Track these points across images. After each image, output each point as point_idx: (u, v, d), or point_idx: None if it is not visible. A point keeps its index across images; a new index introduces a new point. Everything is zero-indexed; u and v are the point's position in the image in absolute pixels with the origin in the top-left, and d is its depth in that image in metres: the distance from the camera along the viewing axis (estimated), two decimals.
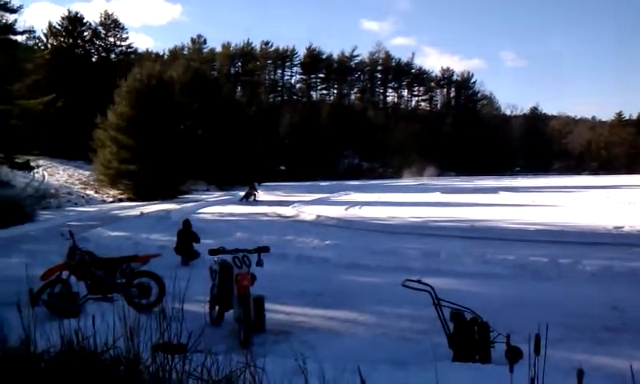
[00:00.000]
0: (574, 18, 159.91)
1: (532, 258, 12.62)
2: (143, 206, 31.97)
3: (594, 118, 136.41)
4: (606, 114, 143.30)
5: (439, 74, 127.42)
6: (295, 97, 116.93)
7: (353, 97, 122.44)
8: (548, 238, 16.55)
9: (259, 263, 7.59)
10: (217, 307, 8.00)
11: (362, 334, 7.48)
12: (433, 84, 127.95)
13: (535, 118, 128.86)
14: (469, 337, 6.07)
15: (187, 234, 13.80)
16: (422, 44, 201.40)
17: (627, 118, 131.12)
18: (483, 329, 6.08)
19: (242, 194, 36.91)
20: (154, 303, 8.44)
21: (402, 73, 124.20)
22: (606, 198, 34.54)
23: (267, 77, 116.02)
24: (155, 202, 35.18)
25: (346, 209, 28.33)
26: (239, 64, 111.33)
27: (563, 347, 6.38)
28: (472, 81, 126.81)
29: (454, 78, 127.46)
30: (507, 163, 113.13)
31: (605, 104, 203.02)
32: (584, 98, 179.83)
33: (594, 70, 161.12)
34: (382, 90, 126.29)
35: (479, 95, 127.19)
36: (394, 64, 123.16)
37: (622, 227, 18.20)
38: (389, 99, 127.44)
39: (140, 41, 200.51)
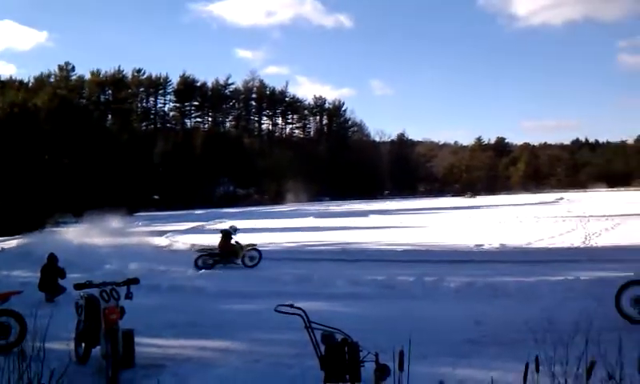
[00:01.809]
0: (437, 48, 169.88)
1: (400, 278, 13.13)
2: (3, 240, 29.83)
3: (456, 142, 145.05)
4: (467, 139, 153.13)
5: (312, 102, 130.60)
6: (169, 125, 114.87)
7: (228, 124, 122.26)
8: (415, 258, 17.32)
9: (128, 296, 7.31)
10: (83, 344, 7.62)
11: (236, 361, 7.41)
12: (306, 112, 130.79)
13: (402, 144, 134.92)
14: (339, 358, 6.20)
15: (52, 269, 13.04)
16: (294, 73, 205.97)
17: (486, 142, 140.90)
18: (353, 349, 6.22)
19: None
20: (13, 343, 7.89)
21: (277, 101, 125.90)
22: (468, 219, 36.77)
23: (140, 104, 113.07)
24: (17, 236, 32.94)
25: None
26: (110, 92, 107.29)
27: (428, 362, 6.64)
28: (343, 109, 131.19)
29: (326, 106, 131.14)
30: (377, 187, 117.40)
31: (466, 129, 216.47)
32: (447, 123, 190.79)
33: (456, 98, 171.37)
34: (256, 118, 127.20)
35: (350, 122, 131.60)
36: (268, 92, 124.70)
37: (482, 245, 19.43)
38: (264, 126, 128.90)
39: (1, 68, 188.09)
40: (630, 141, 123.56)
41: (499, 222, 33.02)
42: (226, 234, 18.20)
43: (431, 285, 12.47)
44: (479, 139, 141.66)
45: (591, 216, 32.38)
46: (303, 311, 6.30)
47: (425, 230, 27.94)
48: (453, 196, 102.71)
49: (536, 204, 58.71)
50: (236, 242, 17.93)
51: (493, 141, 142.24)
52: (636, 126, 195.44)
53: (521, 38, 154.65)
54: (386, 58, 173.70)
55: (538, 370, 3.26)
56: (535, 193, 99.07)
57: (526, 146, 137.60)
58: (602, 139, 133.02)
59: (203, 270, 16.71)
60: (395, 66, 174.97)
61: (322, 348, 6.22)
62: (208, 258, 17.59)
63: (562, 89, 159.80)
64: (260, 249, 17.93)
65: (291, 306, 6.38)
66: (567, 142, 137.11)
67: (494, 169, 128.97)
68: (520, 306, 9.79)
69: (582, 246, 18.89)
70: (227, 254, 17.76)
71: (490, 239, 20.84)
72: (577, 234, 22.41)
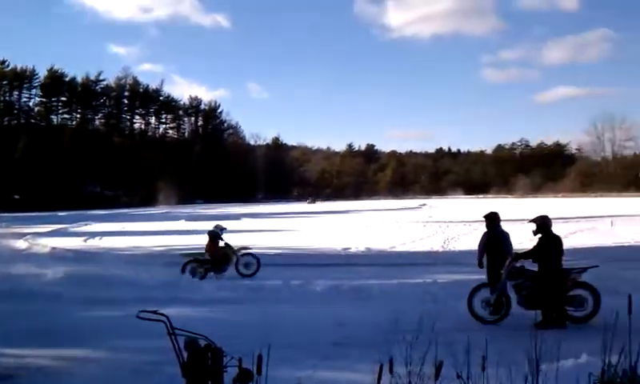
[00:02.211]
0: (313, 54, 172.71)
1: (268, 282, 13.32)
2: None
3: (328, 148, 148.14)
4: (340, 145, 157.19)
5: (187, 103, 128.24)
6: (33, 120, 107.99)
7: (97, 122, 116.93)
8: (286, 261, 17.59)
9: None
10: None
11: (95, 370, 7.18)
12: (181, 112, 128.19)
13: (277, 148, 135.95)
14: (202, 364, 6.22)
15: None
16: (170, 72, 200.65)
17: (357, 149, 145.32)
18: (216, 355, 6.26)
19: None
20: None
21: (150, 99, 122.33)
22: (338, 223, 37.79)
23: (2, 98, 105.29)
24: None
25: (85, 240, 26.93)
26: None
27: (291, 365, 6.78)
28: (219, 110, 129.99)
29: (202, 107, 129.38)
30: (251, 190, 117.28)
31: (339, 136, 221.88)
32: (321, 129, 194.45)
33: (329, 104, 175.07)
34: (128, 117, 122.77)
35: (226, 124, 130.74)
36: (141, 90, 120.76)
37: (349, 248, 20.08)
38: (136, 125, 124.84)
39: None
40: (489, 151, 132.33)
41: (367, 226, 34.18)
42: (214, 236, 15.93)
43: (298, 288, 12.75)
44: (350, 146, 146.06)
45: (450, 221, 34.38)
46: (166, 317, 6.25)
47: (297, 234, 28.38)
48: (295, 201, 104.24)
49: (401, 209, 61.30)
50: (225, 243, 15.75)
51: (363, 147, 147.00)
52: (495, 137, 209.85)
53: (393, 49, 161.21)
54: (263, 61, 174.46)
55: (391, 371, 3.44)
56: (401, 198, 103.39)
57: (394, 153, 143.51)
58: (463, 149, 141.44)
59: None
60: (272, 69, 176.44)
61: (185, 354, 6.21)
62: (198, 266, 15.37)
63: (427, 99, 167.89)
64: (253, 252, 16.15)
65: (155, 312, 6.31)
66: (431, 150, 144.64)
67: (363, 175, 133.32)
68: (382, 308, 10.22)
69: (441, 250, 20.06)
70: (219, 260, 15.54)
71: (357, 243, 21.55)
72: (437, 239, 23.74)
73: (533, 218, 9.95)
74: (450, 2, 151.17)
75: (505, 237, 10.49)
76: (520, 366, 3.62)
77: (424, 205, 76.27)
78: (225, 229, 16.43)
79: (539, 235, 9.69)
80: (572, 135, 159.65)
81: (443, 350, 3.71)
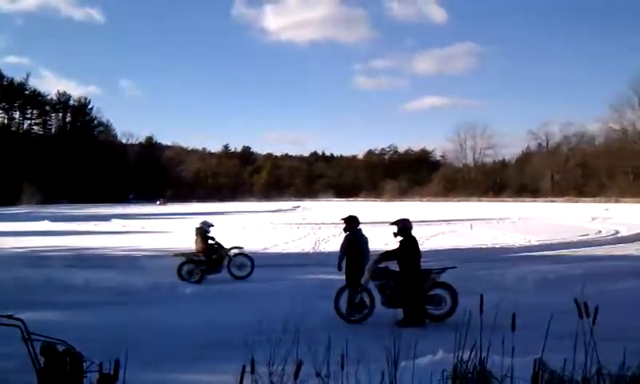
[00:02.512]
0: (189, 53, 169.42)
1: (137, 284, 12.94)
2: None
3: (204, 149, 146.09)
4: (216, 146, 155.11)
5: (55, 98, 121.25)
6: None
7: None
8: (155, 263, 17.10)
9: None
10: None
11: None
12: (48, 107, 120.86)
13: (151, 147, 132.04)
14: (60, 370, 5.92)
15: None
16: (37, 65, 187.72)
17: (233, 150, 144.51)
18: (76, 360, 5.99)
19: None
20: None
21: (15, 93, 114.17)
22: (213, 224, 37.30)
23: None
24: None
25: None
26: None
27: (156, 368, 6.67)
28: (89, 107, 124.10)
29: (71, 102, 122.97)
30: (122, 190, 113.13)
31: (215, 136, 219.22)
32: (197, 129, 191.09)
33: (206, 104, 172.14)
34: None
35: (96, 122, 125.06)
36: (5, 83, 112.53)
37: None
38: None
39: None
40: (360, 155, 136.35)
41: (243, 228, 34.04)
42: (203, 233, 14.81)
43: (167, 289, 12.50)
44: (226, 147, 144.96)
45: (322, 223, 35.04)
46: (22, 322, 5.90)
47: (169, 235, 27.71)
48: (198, 202, 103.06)
49: (275, 211, 61.75)
50: (216, 242, 14.32)
51: (239, 149, 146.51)
52: (366, 143, 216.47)
53: (270, 53, 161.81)
54: (137, 58, 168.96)
55: (253, 372, 3.45)
56: (276, 201, 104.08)
57: (270, 156, 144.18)
58: (336, 153, 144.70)
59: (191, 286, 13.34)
60: (146, 67, 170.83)
61: (42, 360, 5.89)
62: (195, 267, 14.23)
63: (303, 104, 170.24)
64: (248, 254, 15.08)
65: (9, 316, 5.93)
66: (306, 154, 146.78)
67: (239, 176, 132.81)
68: (252, 309, 10.21)
69: (312, 251, 20.38)
70: (214, 260, 14.55)
71: (231, 245, 21.36)
72: (309, 240, 24.11)
73: (394, 221, 10.36)
74: (325, 10, 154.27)
75: (363, 239, 10.79)
76: (380, 363, 3.76)
77: (298, 207, 77.27)
78: (212, 225, 15.47)
79: (400, 238, 10.12)
80: (437, 142, 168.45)
81: (307, 350, 3.78)
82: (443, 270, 10.15)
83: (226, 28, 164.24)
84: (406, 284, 9.70)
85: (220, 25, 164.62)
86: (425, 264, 10.54)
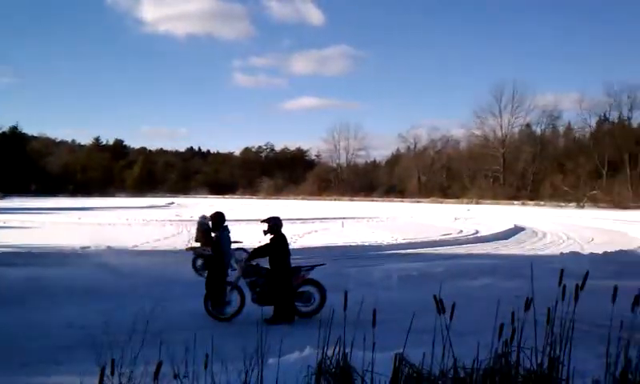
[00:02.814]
0: (54, 39, 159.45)
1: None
2: None
3: (73, 141, 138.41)
4: (85, 139, 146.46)
5: None
6: None
7: None
8: (11, 261, 16.13)
9: None
10: None
11: None
12: None
13: (15, 138, 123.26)
14: None
15: None
16: None
17: (105, 143, 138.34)
18: None
19: None
20: None
21: None
22: (78, 220, 35.62)
23: None
24: None
25: None
26: None
27: (11, 371, 6.34)
28: None
29: None
30: None
31: (84, 128, 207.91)
32: (66, 120, 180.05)
33: (77, 94, 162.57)
34: None
35: None
36: None
37: (89, 247, 19.04)
38: None
39: None
40: (237, 153, 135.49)
41: (112, 224, 32.81)
42: (206, 228, 14.52)
43: (28, 286, 11.84)
44: (97, 140, 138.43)
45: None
46: None
47: (34, 231, 26.18)
48: (66, 197, 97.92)
49: (148, 207, 59.97)
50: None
51: (111, 142, 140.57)
52: (243, 140, 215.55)
53: (146, 44, 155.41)
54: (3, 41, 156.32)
55: (113, 373, 3.33)
56: (149, 196, 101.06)
57: (143, 150, 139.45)
58: (213, 149, 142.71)
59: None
60: (13, 52, 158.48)
61: None
62: (204, 262, 13.88)
63: (180, 98, 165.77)
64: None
65: None
66: (182, 149, 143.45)
67: (110, 170, 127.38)
68: (116, 307, 9.90)
69: (184, 248, 19.99)
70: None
71: (99, 241, 20.53)
72: (182, 237, 23.62)
73: (265, 218, 10.43)
74: (204, 3, 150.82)
75: (225, 237, 10.65)
76: (246, 361, 3.76)
77: (172, 203, 75.53)
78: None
79: (270, 235, 10.19)
80: (313, 142, 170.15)
81: (179, 349, 3.73)
82: (312, 267, 10.35)
83: (99, 16, 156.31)
84: (276, 281, 9.78)
85: (93, 12, 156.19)
86: (297, 261, 10.70)
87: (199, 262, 14.61)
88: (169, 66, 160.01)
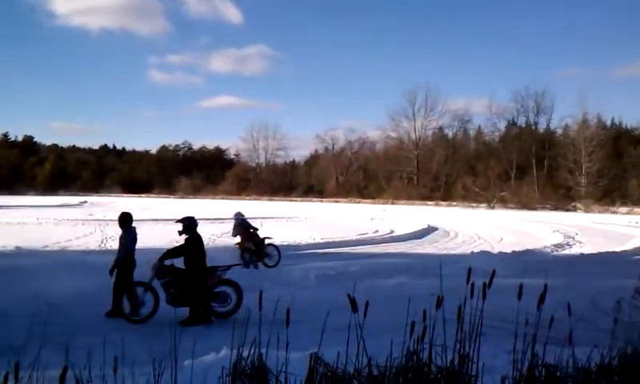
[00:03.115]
0: None
1: None
2: None
3: None
4: None
5: None
6: None
7: None
8: None
9: None
10: None
11: None
12: None
13: None
14: None
15: None
16: None
17: (13, 139, 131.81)
18: None
19: None
20: None
21: None
22: None
23: None
24: None
25: None
26: None
27: None
28: None
29: None
30: None
31: None
32: None
33: (1, 88, 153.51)
34: None
35: None
36: None
37: None
38: None
39: None
40: (154, 151, 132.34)
41: (18, 223, 31.46)
42: (247, 225, 16.91)
43: None
44: (5, 135, 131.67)
45: (110, 220, 33.43)
46: None
47: None
48: None
49: (60, 206, 57.69)
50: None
51: (20, 138, 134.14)
52: (160, 138, 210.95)
53: (58, 38, 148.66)
54: None
55: (17, 378, 3.19)
56: (61, 195, 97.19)
57: (55, 147, 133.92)
58: (128, 147, 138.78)
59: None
60: None
61: None
62: (251, 255, 16.27)
63: (95, 94, 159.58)
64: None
65: None
66: (96, 146, 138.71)
67: (19, 167, 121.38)
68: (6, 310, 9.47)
69: (98, 249, 19.40)
70: (261, 248, 16.56)
71: (5, 241, 19.61)
72: (94, 238, 22.91)
73: (179, 218, 10.28)
74: None
75: (130, 237, 10.50)
76: (160, 363, 3.67)
77: (85, 202, 72.92)
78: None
79: (185, 235, 10.05)
80: (232, 141, 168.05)
81: (83, 353, 3.59)
82: (229, 267, 10.30)
83: (7, 7, 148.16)
84: (192, 282, 9.64)
85: (3, 3, 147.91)
86: (215, 261, 10.57)
87: (247, 255, 16.19)
88: (82, 61, 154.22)
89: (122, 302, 9.63)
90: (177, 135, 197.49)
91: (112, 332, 6.68)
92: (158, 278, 9.85)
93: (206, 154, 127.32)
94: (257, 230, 17.00)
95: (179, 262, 9.92)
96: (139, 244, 10.84)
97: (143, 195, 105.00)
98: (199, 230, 10.26)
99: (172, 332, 3.72)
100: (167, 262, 9.95)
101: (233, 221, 17.25)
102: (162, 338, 4.43)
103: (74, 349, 3.71)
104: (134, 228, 10.66)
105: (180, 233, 10.12)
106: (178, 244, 10.52)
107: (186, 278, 9.74)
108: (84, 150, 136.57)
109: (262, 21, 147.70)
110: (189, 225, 10.06)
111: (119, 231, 10.82)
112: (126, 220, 10.62)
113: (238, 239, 16.96)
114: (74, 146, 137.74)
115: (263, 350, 3.77)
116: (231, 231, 17.50)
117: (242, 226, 16.82)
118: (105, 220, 33.67)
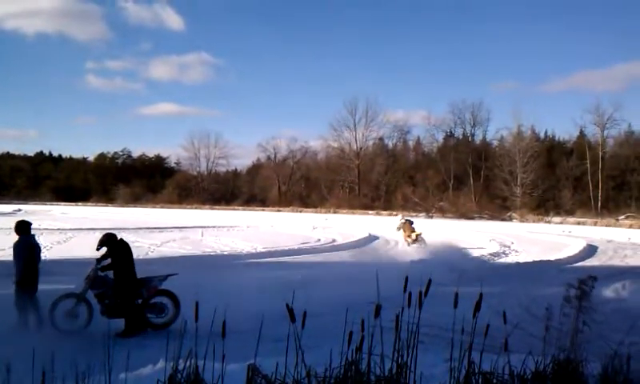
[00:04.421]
0: None
1: None
2: None
3: None
4: None
5: None
6: None
7: None
8: None
9: None
10: None
11: None
12: None
13: None
14: None
15: None
16: None
17: None
18: None
19: None
20: None
21: None
22: None
23: None
24: None
25: None
26: None
27: None
28: None
29: None
30: None
31: None
32: None
33: None
34: None
35: None
36: None
37: None
38: None
39: None
40: (91, 158, 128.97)
41: None
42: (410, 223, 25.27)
43: None
44: None
45: (45, 229, 32.38)
46: None
47: None
48: None
49: None
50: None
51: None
52: (98, 145, 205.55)
53: None
54: None
55: None
56: None
57: None
58: (65, 154, 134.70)
59: None
60: None
61: None
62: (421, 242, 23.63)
63: (29, 99, 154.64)
64: None
65: None
66: (31, 153, 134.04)
67: None
68: None
69: None
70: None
71: None
72: None
73: (100, 237, 10.06)
74: (56, 1, 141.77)
75: (23, 244, 10.20)
76: (94, 377, 3.57)
77: (19, 210, 70.28)
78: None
79: (104, 248, 9.83)
80: (172, 149, 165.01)
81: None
82: (165, 277, 10.11)
83: None
84: (123, 292, 9.42)
85: None
86: (154, 271, 10.36)
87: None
88: (16, 66, 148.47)
89: (55, 312, 9.32)
90: (116, 142, 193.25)
91: (38, 344, 6.40)
92: (92, 289, 9.59)
93: (146, 162, 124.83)
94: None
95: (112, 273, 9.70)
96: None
97: (80, 203, 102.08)
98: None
99: (105, 344, 3.61)
100: (101, 273, 9.70)
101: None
102: (95, 351, 4.30)
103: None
104: (32, 236, 10.40)
105: (98, 248, 9.88)
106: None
107: (118, 288, 9.52)
108: (19, 156, 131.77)
109: (203, 28, 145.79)
110: (106, 240, 9.84)
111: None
112: (21, 227, 10.32)
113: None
114: (7, 152, 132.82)
115: (200, 362, 3.71)
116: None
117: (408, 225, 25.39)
118: (39, 229, 32.48)
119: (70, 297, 9.57)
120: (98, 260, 9.82)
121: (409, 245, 25.82)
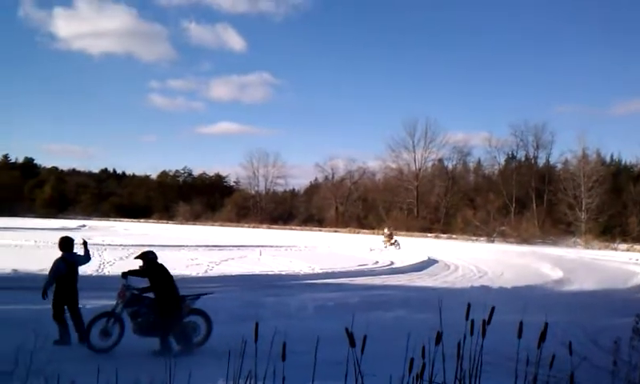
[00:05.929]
0: None
1: None
2: None
3: None
4: None
5: None
6: None
7: None
8: None
9: None
10: None
11: None
12: None
13: None
14: None
15: None
16: None
17: (14, 161, 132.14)
18: None
19: None
20: None
21: None
22: None
23: None
24: None
25: None
26: None
27: None
28: None
29: None
30: None
31: None
32: None
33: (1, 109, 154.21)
34: None
35: None
36: None
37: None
38: None
39: None
40: (154, 176, 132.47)
41: (16, 245, 31.37)
42: None
43: None
44: (6, 157, 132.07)
45: (109, 245, 33.36)
46: None
47: None
48: None
49: (58, 229, 57.51)
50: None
51: (21, 160, 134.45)
52: (160, 163, 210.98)
53: (59, 61, 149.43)
54: None
55: None
56: (60, 218, 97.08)
57: (54, 169, 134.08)
58: (128, 171, 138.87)
59: None
60: None
61: None
62: None
63: (94, 117, 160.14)
64: None
65: None
66: (96, 170, 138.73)
67: (20, 190, 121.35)
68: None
69: (95, 274, 19.28)
70: None
71: (6, 264, 19.57)
72: (93, 262, 22.73)
73: (139, 254, 10.14)
74: (122, 22, 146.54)
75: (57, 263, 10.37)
76: None
77: (84, 226, 72.79)
78: None
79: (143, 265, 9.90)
80: (232, 168, 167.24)
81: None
82: (198, 296, 10.06)
83: (8, 29, 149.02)
84: (162, 311, 9.45)
85: (5, 26, 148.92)
86: (208, 288, 10.46)
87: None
88: (83, 85, 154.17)
89: (92, 330, 9.42)
90: (176, 160, 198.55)
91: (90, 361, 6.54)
92: (126, 307, 9.62)
93: (205, 181, 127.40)
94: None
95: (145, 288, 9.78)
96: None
97: (142, 220, 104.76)
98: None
99: (167, 363, 3.65)
100: (135, 291, 9.75)
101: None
102: (142, 369, 4.36)
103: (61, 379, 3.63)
104: (74, 254, 10.65)
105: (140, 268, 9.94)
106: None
107: (156, 307, 9.55)
108: (84, 173, 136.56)
109: (264, 49, 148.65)
110: (147, 259, 9.87)
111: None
112: (68, 244, 10.57)
113: None
114: (74, 169, 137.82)
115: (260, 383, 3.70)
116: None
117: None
118: (103, 244, 33.50)
119: (104, 315, 9.59)
120: (125, 274, 9.84)
121: (385, 247, 37.59)
